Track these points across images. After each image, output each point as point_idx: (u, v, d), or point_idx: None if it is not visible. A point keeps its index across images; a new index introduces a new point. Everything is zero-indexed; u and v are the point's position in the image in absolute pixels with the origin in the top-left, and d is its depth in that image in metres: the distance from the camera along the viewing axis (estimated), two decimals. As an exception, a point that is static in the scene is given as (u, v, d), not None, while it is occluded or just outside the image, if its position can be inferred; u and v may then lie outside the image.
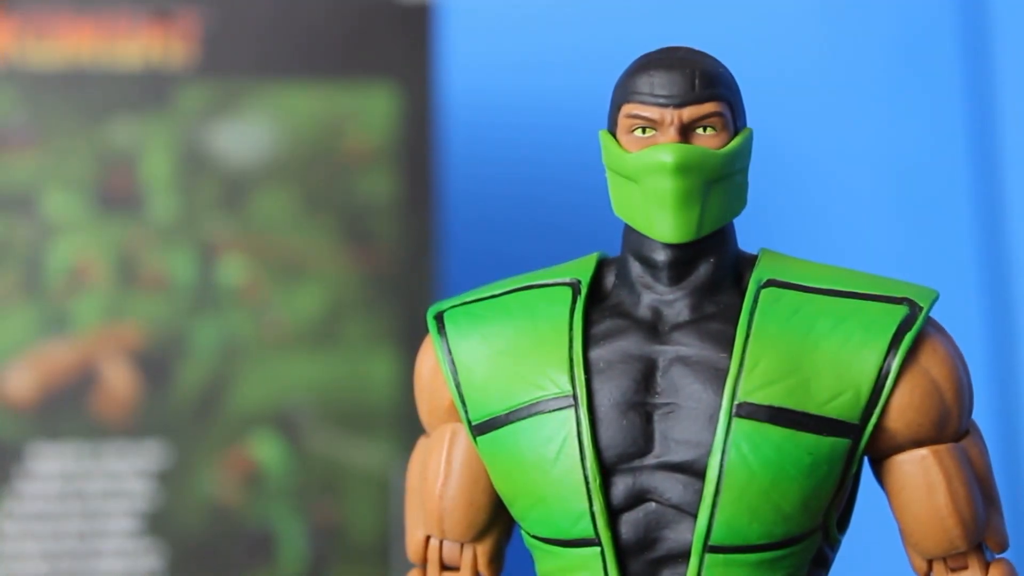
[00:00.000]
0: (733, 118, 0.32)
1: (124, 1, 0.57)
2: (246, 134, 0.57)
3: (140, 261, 0.57)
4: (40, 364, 0.56)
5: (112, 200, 0.57)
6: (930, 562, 0.32)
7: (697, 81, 0.32)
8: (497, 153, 0.68)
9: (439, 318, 0.33)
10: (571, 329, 0.32)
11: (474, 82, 0.67)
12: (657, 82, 0.32)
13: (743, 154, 0.32)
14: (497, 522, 0.33)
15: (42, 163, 0.56)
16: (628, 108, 0.32)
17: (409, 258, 0.58)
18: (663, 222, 0.31)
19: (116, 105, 0.57)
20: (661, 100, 0.31)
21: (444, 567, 0.34)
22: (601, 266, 0.33)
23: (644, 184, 0.31)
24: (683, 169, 0.31)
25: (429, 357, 0.33)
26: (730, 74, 0.32)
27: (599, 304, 0.32)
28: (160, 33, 0.57)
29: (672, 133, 0.31)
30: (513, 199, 0.68)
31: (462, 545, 0.34)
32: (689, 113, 0.31)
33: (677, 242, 0.31)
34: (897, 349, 0.30)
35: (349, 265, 0.58)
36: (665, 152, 0.31)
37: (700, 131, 0.31)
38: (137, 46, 0.57)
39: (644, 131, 0.32)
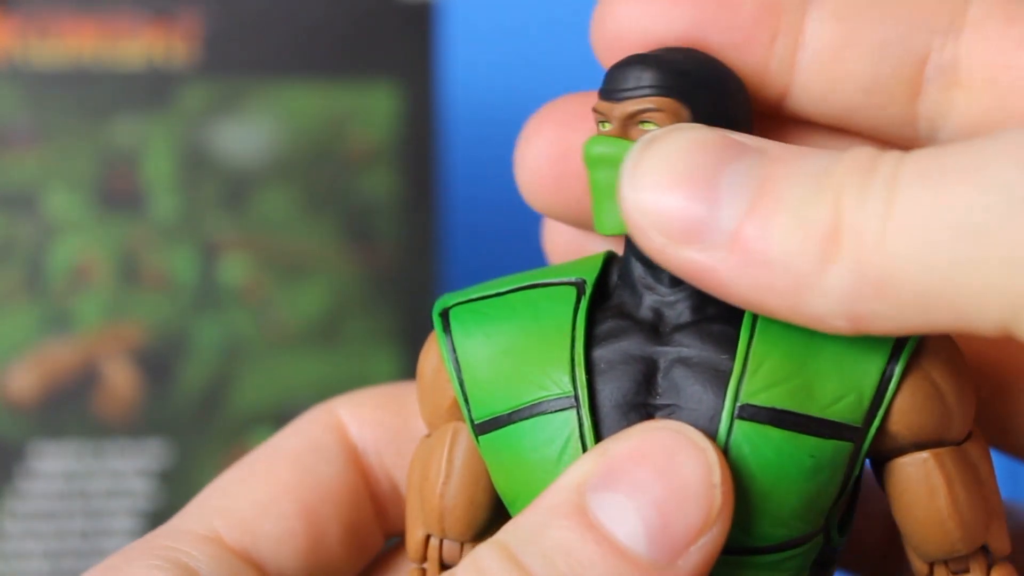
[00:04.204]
0: (695, 117, 0.31)
1: (126, 1, 0.57)
2: (248, 133, 0.57)
3: (142, 260, 0.57)
4: (42, 363, 0.56)
5: (114, 199, 0.57)
6: (931, 565, 0.32)
7: (647, 75, 0.31)
8: (499, 152, 0.68)
9: (444, 315, 0.33)
10: (574, 329, 0.31)
11: (476, 81, 0.67)
12: (614, 76, 0.31)
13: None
14: (498, 522, 0.33)
15: (44, 162, 0.56)
16: (595, 103, 0.32)
17: (411, 257, 0.58)
18: (594, 215, 0.31)
19: (118, 104, 0.57)
20: (612, 95, 0.31)
21: (444, 566, 0.34)
22: (608, 265, 0.33)
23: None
24: (596, 160, 0.31)
25: (432, 355, 0.33)
26: (712, 75, 0.32)
27: (602, 304, 0.32)
28: (162, 32, 0.57)
29: (615, 126, 0.31)
30: (515, 198, 0.67)
31: (462, 544, 0.33)
32: (630, 107, 0.31)
33: (605, 235, 0.31)
34: (900, 352, 0.30)
35: (351, 264, 0.58)
36: (589, 142, 0.31)
37: (642, 126, 0.31)
38: (139, 45, 0.57)
39: (604, 126, 0.32)
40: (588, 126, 0.33)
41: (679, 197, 0.27)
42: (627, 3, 0.32)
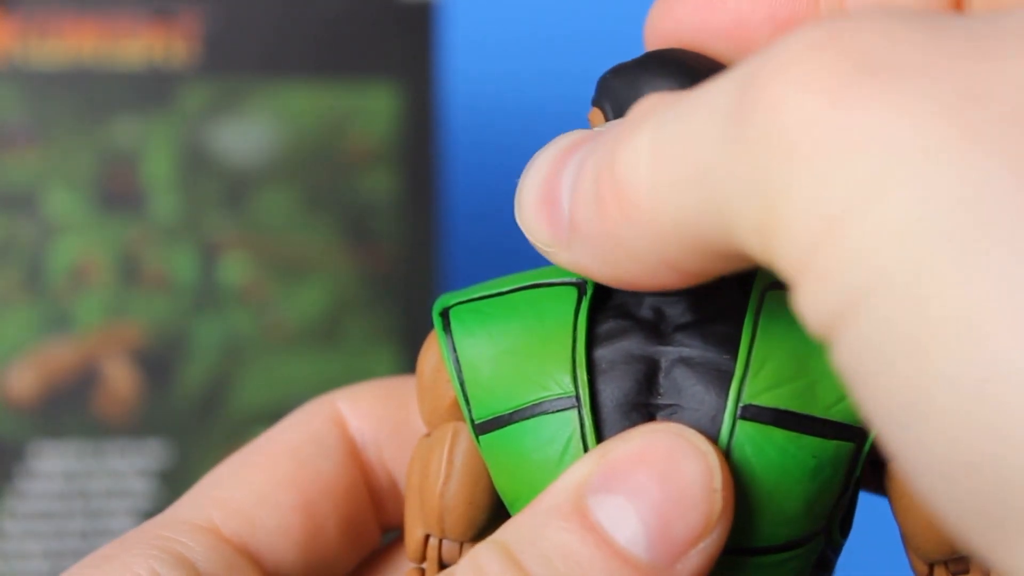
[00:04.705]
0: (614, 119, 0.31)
1: (126, 1, 0.57)
2: (248, 133, 0.57)
3: (142, 260, 0.57)
4: (42, 363, 0.56)
5: (114, 199, 0.57)
6: (931, 565, 0.32)
7: (597, 85, 0.32)
8: (499, 152, 0.68)
9: (444, 315, 0.33)
10: (575, 329, 0.31)
11: (476, 81, 0.67)
12: None
13: None
14: (497, 522, 0.33)
15: (44, 162, 0.56)
16: None
17: (411, 257, 0.58)
18: None
19: (118, 104, 0.57)
20: None
21: (443, 566, 0.34)
22: None
23: None
24: None
25: (432, 355, 0.33)
26: (646, 73, 0.31)
27: (603, 304, 0.32)
28: (162, 32, 0.57)
29: None
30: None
31: (461, 544, 0.33)
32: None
33: None
34: None
35: (350, 264, 0.58)
36: None
37: None
38: (139, 45, 0.57)
39: None
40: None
41: (539, 208, 0.27)
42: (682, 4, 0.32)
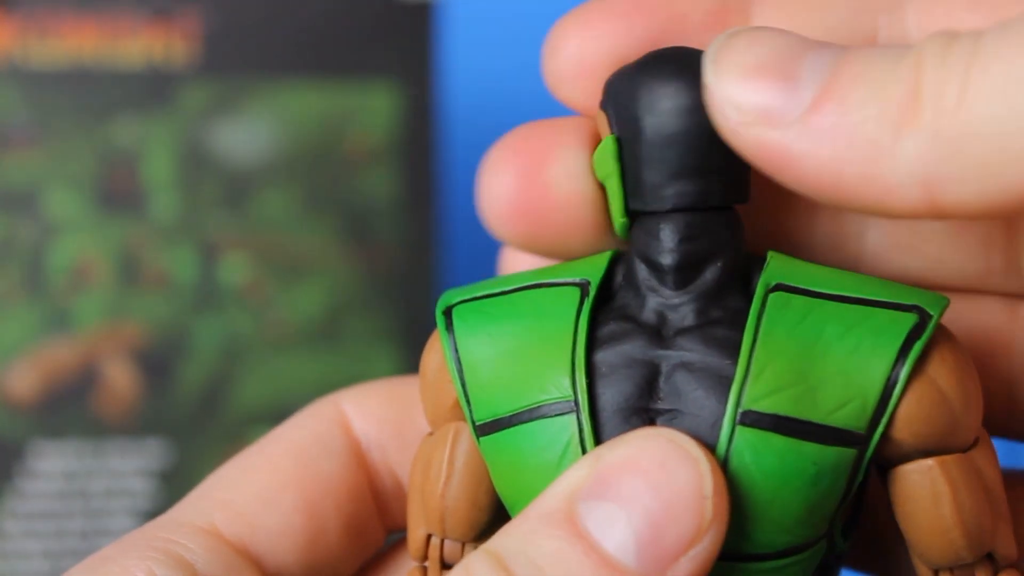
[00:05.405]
0: (610, 124, 0.32)
1: (126, 1, 0.57)
2: (248, 133, 0.57)
3: (142, 260, 0.57)
4: (42, 363, 0.56)
5: (114, 199, 0.57)
6: (936, 572, 0.31)
7: (603, 89, 0.32)
8: (499, 152, 0.68)
9: (447, 314, 0.32)
10: (576, 331, 0.31)
11: (476, 81, 0.67)
12: None
13: (598, 162, 0.32)
14: (499, 522, 0.33)
15: (44, 162, 0.56)
16: None
17: (410, 257, 0.58)
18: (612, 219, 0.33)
19: (118, 104, 0.57)
20: None
21: (445, 565, 0.34)
22: (613, 265, 0.32)
23: None
24: (597, 171, 0.32)
25: (435, 354, 0.33)
26: (634, 78, 0.32)
27: (605, 305, 0.32)
28: (162, 32, 0.57)
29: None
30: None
31: (463, 544, 0.33)
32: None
33: (624, 239, 0.32)
34: (905, 358, 0.29)
35: (350, 264, 0.58)
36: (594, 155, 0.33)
37: None
38: (139, 45, 0.57)
39: None
40: (554, 156, 0.34)
41: (759, 83, 0.26)
42: (577, 33, 0.32)
